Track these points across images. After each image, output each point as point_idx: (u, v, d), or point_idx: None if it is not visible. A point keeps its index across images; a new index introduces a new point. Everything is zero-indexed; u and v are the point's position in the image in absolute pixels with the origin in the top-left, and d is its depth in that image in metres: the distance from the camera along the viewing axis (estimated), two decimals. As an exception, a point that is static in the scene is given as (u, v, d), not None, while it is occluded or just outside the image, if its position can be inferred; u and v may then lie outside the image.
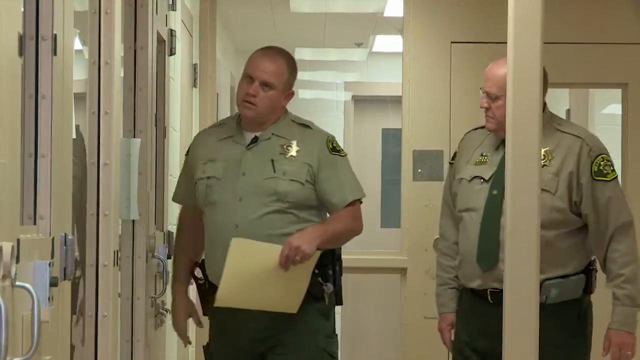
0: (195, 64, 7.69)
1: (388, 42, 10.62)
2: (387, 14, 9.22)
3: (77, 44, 4.30)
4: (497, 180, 4.80)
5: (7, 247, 2.92)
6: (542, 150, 4.64)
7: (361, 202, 5.00)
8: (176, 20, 6.53)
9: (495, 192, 4.83)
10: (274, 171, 4.80)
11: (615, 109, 8.73)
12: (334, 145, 4.87)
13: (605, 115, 10.25)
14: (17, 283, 2.99)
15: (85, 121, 4.56)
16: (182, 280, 5.12)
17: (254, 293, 4.73)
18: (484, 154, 5.01)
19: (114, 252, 4.63)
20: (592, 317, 4.98)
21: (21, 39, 3.14)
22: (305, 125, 4.95)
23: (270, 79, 4.81)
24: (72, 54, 3.85)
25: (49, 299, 3.33)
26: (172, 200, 5.28)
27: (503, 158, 4.70)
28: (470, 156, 5.06)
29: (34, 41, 3.51)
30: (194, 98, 7.67)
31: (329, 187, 4.84)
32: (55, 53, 3.58)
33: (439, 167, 7.59)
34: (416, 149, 7.66)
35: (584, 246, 4.90)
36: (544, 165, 4.75)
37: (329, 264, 4.93)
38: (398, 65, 8.21)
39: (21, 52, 3.16)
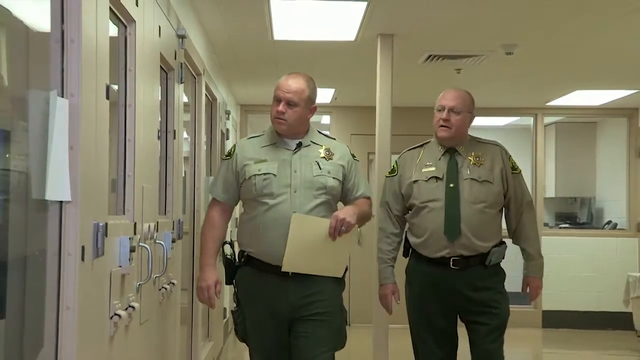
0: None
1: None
2: (322, 122, 9.17)
3: (185, 134, 4.27)
4: (450, 178, 3.35)
5: (152, 225, 2.91)
6: (475, 154, 3.41)
7: None
8: (229, 123, 6.52)
9: (451, 185, 3.33)
10: (320, 169, 3.08)
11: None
12: (352, 152, 3.25)
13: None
14: (157, 241, 2.96)
15: (189, 168, 4.55)
16: (213, 256, 3.10)
17: (311, 260, 3.01)
18: (428, 163, 3.42)
19: (201, 227, 4.58)
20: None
21: (159, 132, 3.12)
22: (330, 137, 3.28)
23: (293, 98, 3.06)
24: (182, 139, 3.83)
25: (171, 248, 3.29)
26: (211, 194, 3.22)
27: (449, 162, 3.38)
28: (414, 166, 3.44)
29: (165, 133, 3.49)
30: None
31: (354, 184, 3.17)
32: (174, 138, 3.56)
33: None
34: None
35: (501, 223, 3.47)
36: (481, 164, 3.39)
37: None
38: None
39: (159, 138, 3.13)
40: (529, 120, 8.08)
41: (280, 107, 3.06)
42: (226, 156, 3.17)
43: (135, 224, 2.65)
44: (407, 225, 3.49)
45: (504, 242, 3.43)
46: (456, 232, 3.30)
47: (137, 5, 2.66)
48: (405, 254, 3.51)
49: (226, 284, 3.18)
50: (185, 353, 4.22)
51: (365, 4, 4.20)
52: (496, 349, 3.31)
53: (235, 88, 7.02)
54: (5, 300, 1.80)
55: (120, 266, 2.41)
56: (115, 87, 2.58)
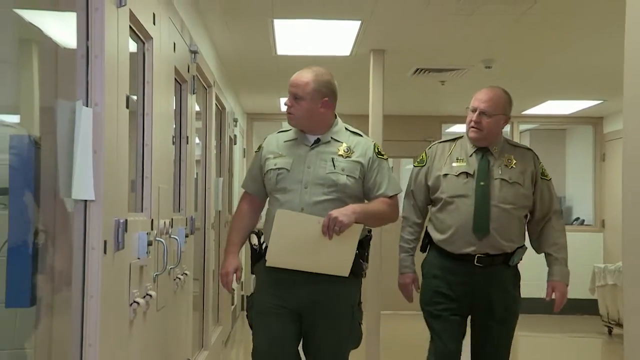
0: (244, 148, 7.66)
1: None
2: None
3: (197, 140, 4.26)
4: (481, 176, 2.95)
5: (168, 221, 2.89)
6: (507, 156, 3.02)
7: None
8: (237, 130, 6.51)
9: (482, 183, 2.93)
10: (334, 167, 2.67)
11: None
12: (379, 150, 2.75)
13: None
14: (172, 236, 2.95)
15: (200, 170, 4.53)
16: (236, 244, 2.79)
17: (301, 256, 2.60)
18: (459, 158, 3.01)
19: (211, 223, 4.60)
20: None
21: (173, 138, 3.11)
22: (357, 133, 2.79)
23: (296, 92, 2.67)
24: (194, 144, 3.81)
25: (184, 242, 3.27)
26: (241, 187, 2.93)
27: (480, 160, 2.98)
28: (445, 160, 3.03)
29: (178, 138, 3.47)
30: (244, 161, 7.63)
31: (375, 182, 2.72)
32: (187, 143, 3.55)
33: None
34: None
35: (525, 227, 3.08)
36: (512, 167, 2.99)
37: (366, 247, 2.75)
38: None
39: (173, 143, 3.12)
40: (506, 128, 8.07)
41: (288, 102, 2.71)
42: (257, 149, 2.85)
43: (152, 220, 2.64)
44: (430, 219, 3.07)
45: (524, 244, 3.04)
46: (485, 230, 2.91)
47: (154, 24, 2.65)
48: (423, 249, 3.10)
49: (251, 272, 2.82)
50: (197, 336, 4.21)
51: (359, 22, 4.21)
52: (504, 356, 3.00)
53: (242, 98, 7.02)
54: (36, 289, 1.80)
55: (139, 258, 2.40)
56: (135, 97, 2.58)
